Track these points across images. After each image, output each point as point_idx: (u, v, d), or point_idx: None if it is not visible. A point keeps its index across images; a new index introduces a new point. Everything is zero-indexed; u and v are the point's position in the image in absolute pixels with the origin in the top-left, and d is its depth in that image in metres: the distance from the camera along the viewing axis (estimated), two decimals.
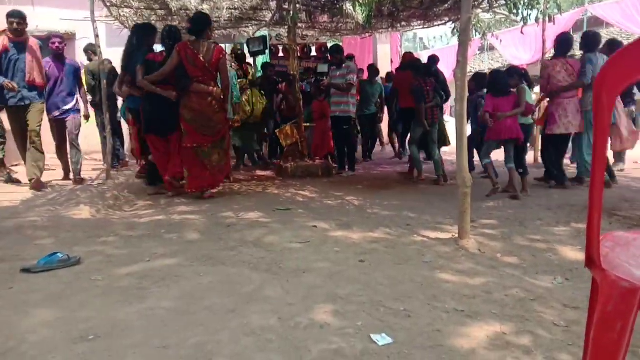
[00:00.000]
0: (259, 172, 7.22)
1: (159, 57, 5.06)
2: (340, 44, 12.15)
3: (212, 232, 3.63)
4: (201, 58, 4.69)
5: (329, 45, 10.80)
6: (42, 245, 3.27)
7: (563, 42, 5.44)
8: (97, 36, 6.08)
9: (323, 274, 2.69)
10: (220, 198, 5.01)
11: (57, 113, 6.00)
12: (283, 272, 2.74)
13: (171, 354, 1.83)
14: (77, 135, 6.15)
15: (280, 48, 10.73)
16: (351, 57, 7.66)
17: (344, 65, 6.80)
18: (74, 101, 6.10)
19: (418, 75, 6.13)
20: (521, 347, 1.87)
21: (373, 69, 8.61)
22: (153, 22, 7.75)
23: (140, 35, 5.22)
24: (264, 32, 9.57)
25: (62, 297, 2.39)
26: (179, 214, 4.34)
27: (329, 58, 7.80)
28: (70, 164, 6.20)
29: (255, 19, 8.64)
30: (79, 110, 6.28)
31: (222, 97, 4.88)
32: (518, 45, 14.48)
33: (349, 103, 6.76)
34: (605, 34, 13.91)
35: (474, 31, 10.01)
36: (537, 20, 7.55)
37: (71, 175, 6.13)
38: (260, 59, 10.20)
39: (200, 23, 4.79)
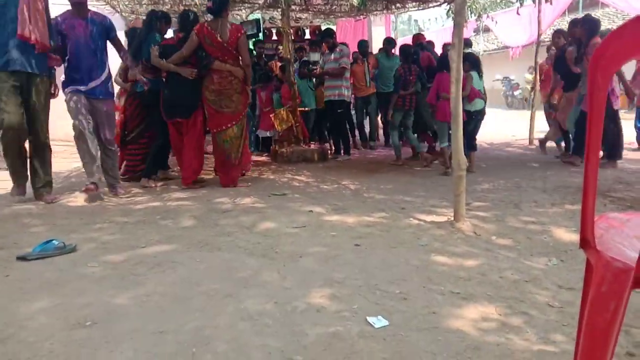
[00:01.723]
0: (254, 157, 7.20)
1: (171, 41, 5.01)
2: (334, 26, 12.06)
3: (208, 218, 3.63)
4: (218, 38, 4.60)
5: (323, 28, 10.70)
6: (37, 233, 3.27)
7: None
8: None
9: (319, 258, 2.70)
10: (215, 184, 5.00)
11: (81, 88, 4.25)
12: (279, 257, 2.75)
13: (168, 339, 1.83)
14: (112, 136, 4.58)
15: (274, 31, 10.61)
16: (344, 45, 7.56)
17: (337, 49, 6.74)
18: (105, 74, 4.40)
19: (406, 62, 6.12)
20: (516, 328, 1.89)
21: (389, 41, 7.93)
22: (145, 6, 7.65)
23: (154, 22, 5.13)
24: (257, 15, 9.46)
25: (59, 284, 2.39)
26: (175, 200, 4.33)
27: (323, 46, 7.54)
28: (105, 175, 4.58)
29: (248, 2, 8.53)
30: (112, 94, 4.61)
31: (243, 76, 4.80)
32: (514, 27, 14.39)
33: (342, 87, 6.71)
34: (600, 14, 13.86)
35: (469, 12, 9.94)
36: (533, 0, 7.51)
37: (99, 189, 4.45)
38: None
39: (219, 2, 4.67)
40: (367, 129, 8.18)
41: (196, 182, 5.05)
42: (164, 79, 5.00)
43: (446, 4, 8.85)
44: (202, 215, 3.73)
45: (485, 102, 5.53)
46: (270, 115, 6.98)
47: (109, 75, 4.51)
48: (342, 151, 7.04)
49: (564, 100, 6.19)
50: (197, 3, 7.47)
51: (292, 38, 7.53)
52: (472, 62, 5.40)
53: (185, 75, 4.73)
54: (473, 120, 5.40)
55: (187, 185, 4.86)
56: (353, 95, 7.74)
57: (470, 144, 5.38)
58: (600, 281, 1.09)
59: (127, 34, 5.73)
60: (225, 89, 4.72)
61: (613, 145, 5.46)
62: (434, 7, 9.28)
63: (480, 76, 5.49)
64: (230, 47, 4.67)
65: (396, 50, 7.52)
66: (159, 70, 4.97)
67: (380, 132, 8.33)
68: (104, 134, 4.47)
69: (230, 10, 4.67)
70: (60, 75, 4.43)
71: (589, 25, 5.46)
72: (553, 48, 6.65)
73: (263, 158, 7.15)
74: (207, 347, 1.78)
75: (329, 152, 7.13)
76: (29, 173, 4.21)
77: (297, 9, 9.37)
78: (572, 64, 5.72)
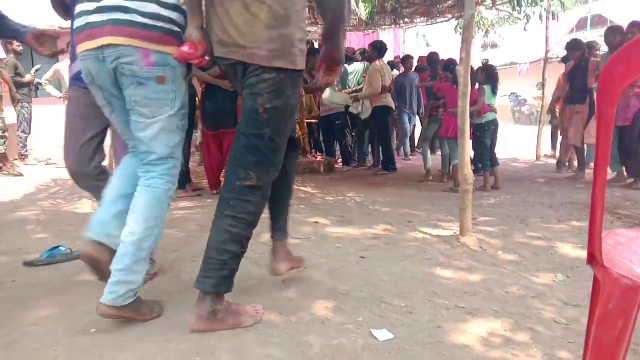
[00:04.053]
0: None
1: None
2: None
3: None
4: None
5: None
6: (44, 239, 3.29)
7: None
8: None
9: (324, 270, 2.70)
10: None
11: None
12: None
13: (172, 348, 1.83)
14: None
15: None
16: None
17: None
18: None
19: (434, 71, 6.14)
20: (522, 344, 1.87)
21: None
22: None
23: None
24: None
25: (65, 291, 2.40)
26: (181, 209, 4.35)
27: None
28: None
29: None
30: None
31: None
32: (522, 43, 14.45)
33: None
34: None
35: (476, 29, 9.99)
36: (540, 17, 7.55)
37: None
38: None
39: None
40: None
41: (195, 190, 5.09)
42: (202, 90, 4.92)
43: (454, 19, 8.92)
44: (208, 224, 3.72)
45: (495, 114, 5.50)
46: None
47: None
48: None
49: (571, 114, 6.09)
50: None
51: None
52: (489, 75, 5.37)
53: (225, 88, 4.73)
54: (488, 131, 5.34)
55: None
56: None
57: (492, 159, 5.35)
58: (608, 298, 1.09)
59: None
60: None
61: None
62: (442, 22, 9.35)
63: (495, 92, 5.45)
64: None
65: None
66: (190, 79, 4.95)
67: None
68: None
69: None
70: None
71: None
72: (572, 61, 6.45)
73: None
74: (211, 356, 1.78)
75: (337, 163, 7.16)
76: None
77: (307, 22, 9.43)
78: (592, 76, 5.63)
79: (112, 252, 1.94)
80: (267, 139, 1.91)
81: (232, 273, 1.97)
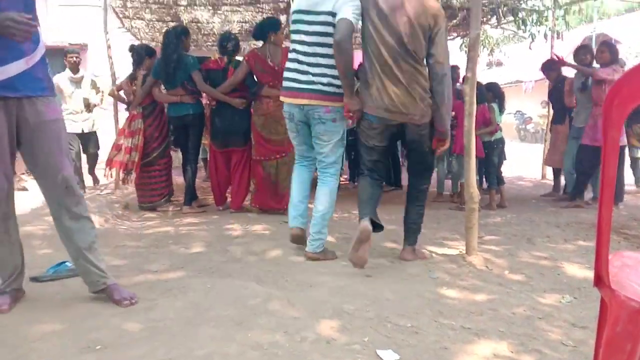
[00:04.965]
0: None
1: (212, 65, 4.93)
2: None
3: (219, 244, 3.64)
4: (269, 62, 4.59)
5: None
6: (50, 254, 3.30)
7: None
8: (109, 47, 6.18)
9: (329, 288, 2.69)
10: (227, 210, 5.02)
11: None
12: (289, 286, 2.74)
13: None
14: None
15: None
16: None
17: None
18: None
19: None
20: None
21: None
22: None
23: (179, 39, 4.90)
24: None
25: (70, 307, 2.40)
26: (186, 225, 4.36)
27: None
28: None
29: None
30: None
31: None
32: (526, 61, 14.51)
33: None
34: None
35: (481, 47, 10.04)
36: (545, 36, 7.59)
37: None
38: None
39: (259, 27, 4.73)
40: None
41: (200, 206, 5.11)
42: (213, 107, 4.92)
43: (459, 38, 8.98)
44: (214, 241, 3.75)
45: (501, 132, 5.50)
46: None
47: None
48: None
49: (553, 135, 6.08)
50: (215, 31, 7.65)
51: None
52: (495, 94, 5.38)
53: (236, 106, 4.75)
54: (496, 149, 5.34)
55: (237, 210, 4.92)
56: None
57: (498, 177, 5.33)
58: (615, 321, 1.09)
59: (134, 51, 5.40)
60: (273, 112, 4.63)
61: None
62: (447, 40, 9.40)
63: (502, 110, 5.43)
64: (282, 70, 4.66)
65: None
66: (199, 94, 4.95)
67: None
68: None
69: (273, 35, 4.59)
70: None
71: (613, 49, 5.15)
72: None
73: None
74: None
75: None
76: None
77: None
78: (569, 95, 5.58)
79: (305, 231, 3.35)
80: (430, 162, 3.34)
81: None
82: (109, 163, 5.19)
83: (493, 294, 2.63)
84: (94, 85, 6.43)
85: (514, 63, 16.06)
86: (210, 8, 7.37)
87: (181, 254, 3.39)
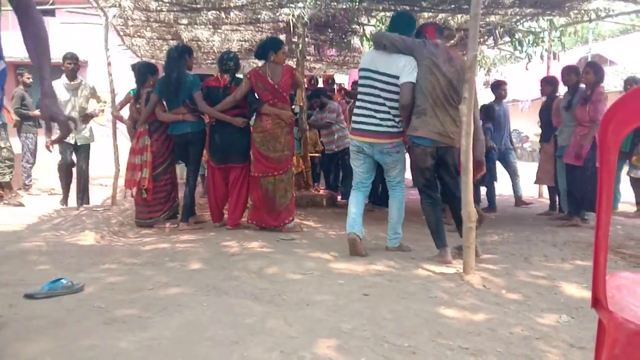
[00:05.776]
0: None
1: (212, 83, 4.97)
2: (347, 76, 12.36)
3: (216, 261, 3.62)
4: (270, 80, 4.65)
5: (335, 77, 10.96)
6: (46, 271, 3.28)
7: None
8: (109, 64, 6.22)
9: (326, 307, 2.67)
10: (224, 227, 5.01)
11: None
12: (286, 304, 2.73)
13: None
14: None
15: None
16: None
17: (325, 109, 6.93)
18: None
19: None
20: None
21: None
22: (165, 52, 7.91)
23: (181, 58, 4.94)
24: None
25: (65, 324, 2.38)
26: (183, 242, 4.34)
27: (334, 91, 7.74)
28: None
29: None
30: None
31: (291, 119, 4.88)
32: (523, 81, 14.65)
33: (335, 138, 6.96)
34: (609, 72, 14.09)
35: (478, 67, 10.14)
36: (541, 57, 7.68)
37: None
38: None
39: (261, 46, 4.80)
40: None
41: (198, 222, 5.11)
42: (212, 124, 4.94)
43: None
44: (210, 258, 3.73)
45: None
46: None
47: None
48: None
49: (542, 153, 6.12)
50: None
51: (306, 87, 7.71)
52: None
53: (236, 125, 4.79)
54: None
55: (234, 227, 4.91)
56: None
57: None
58: (613, 343, 1.08)
59: (136, 70, 5.45)
60: (272, 129, 4.72)
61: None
62: None
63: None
64: (281, 88, 4.72)
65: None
66: (201, 111, 4.96)
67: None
68: None
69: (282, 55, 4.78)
70: None
71: (598, 70, 5.14)
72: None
73: None
74: None
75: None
76: None
77: (312, 59, 9.64)
78: (557, 114, 5.56)
79: (361, 239, 3.91)
80: (457, 176, 3.69)
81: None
82: (127, 184, 5.25)
83: (491, 314, 2.61)
84: (94, 93, 6.32)
85: (510, 82, 16.21)
86: (211, 27, 7.44)
87: (178, 271, 3.37)
